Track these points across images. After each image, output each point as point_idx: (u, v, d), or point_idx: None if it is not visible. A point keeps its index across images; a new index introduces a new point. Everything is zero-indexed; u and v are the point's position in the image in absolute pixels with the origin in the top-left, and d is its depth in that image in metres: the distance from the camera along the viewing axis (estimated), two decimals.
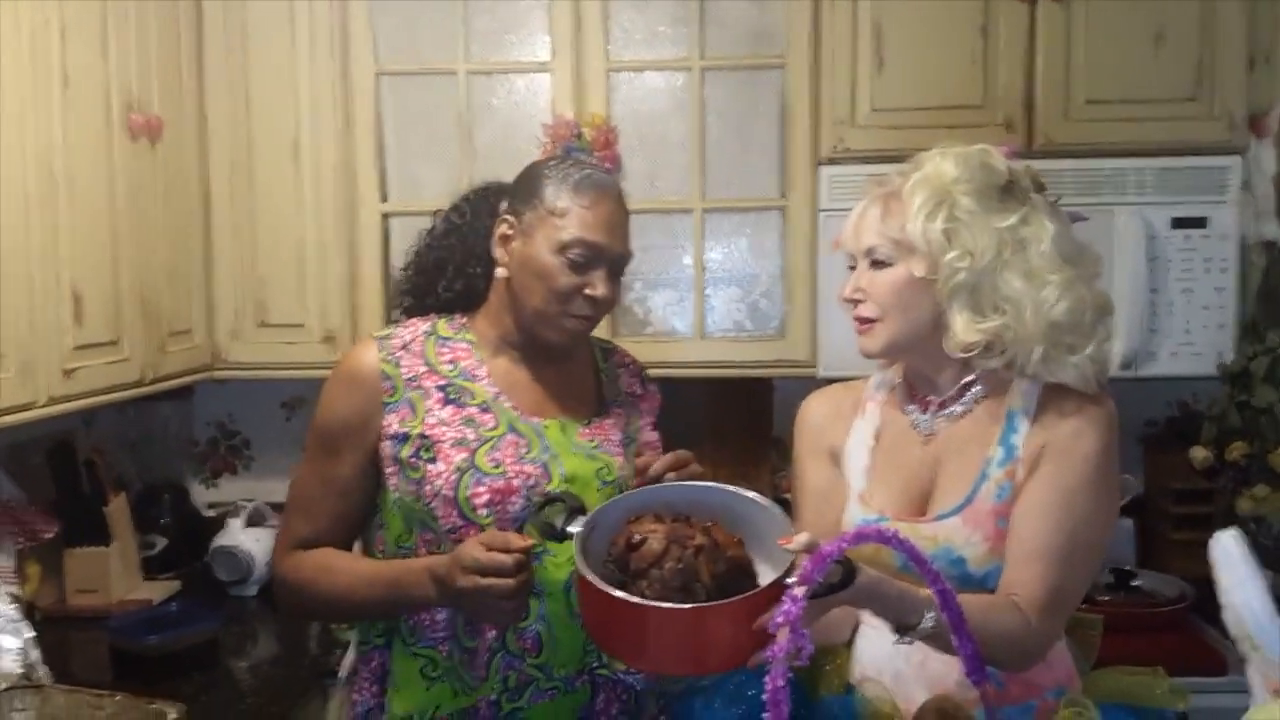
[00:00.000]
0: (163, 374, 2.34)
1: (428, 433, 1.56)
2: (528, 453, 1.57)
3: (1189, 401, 2.74)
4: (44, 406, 1.93)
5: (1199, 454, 2.43)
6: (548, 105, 2.52)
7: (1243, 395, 2.35)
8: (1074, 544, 1.43)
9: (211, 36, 2.52)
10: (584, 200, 1.56)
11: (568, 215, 1.55)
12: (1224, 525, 1.27)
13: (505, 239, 1.60)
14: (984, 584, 1.45)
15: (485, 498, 1.53)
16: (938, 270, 1.45)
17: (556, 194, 1.57)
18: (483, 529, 1.52)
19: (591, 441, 1.62)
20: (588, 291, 1.55)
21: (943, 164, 1.48)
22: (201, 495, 2.93)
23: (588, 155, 2.48)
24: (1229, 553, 1.21)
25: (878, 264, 1.49)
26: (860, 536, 1.20)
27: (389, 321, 1.76)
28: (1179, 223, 2.37)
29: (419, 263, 1.71)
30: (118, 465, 2.72)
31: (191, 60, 2.48)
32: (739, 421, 2.81)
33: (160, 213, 2.34)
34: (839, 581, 1.23)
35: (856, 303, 1.50)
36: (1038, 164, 2.29)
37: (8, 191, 1.83)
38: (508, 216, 1.60)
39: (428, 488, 1.55)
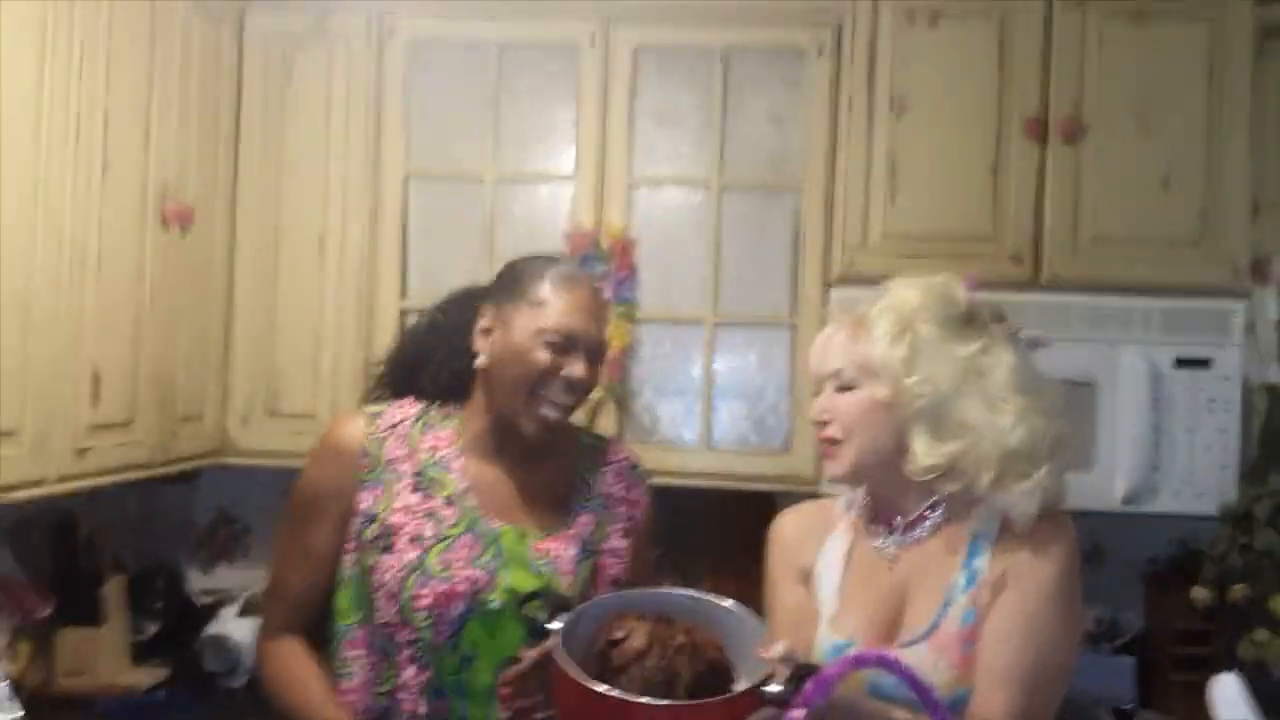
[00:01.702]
0: (172, 456, 2.36)
1: (391, 520, 1.60)
2: (479, 557, 1.59)
3: (1190, 540, 2.73)
4: (54, 484, 1.95)
5: (1200, 594, 2.42)
6: (569, 214, 2.59)
7: (1244, 537, 2.35)
8: (1041, 666, 1.44)
9: (248, 129, 2.61)
10: (561, 289, 1.62)
11: (546, 304, 1.61)
12: (1224, 668, 1.27)
13: (485, 331, 1.65)
14: (951, 709, 1.44)
15: (427, 600, 1.56)
16: (900, 394, 1.48)
17: (535, 286, 1.63)
18: (415, 631, 1.56)
19: (544, 557, 1.62)
20: (565, 373, 1.60)
21: (907, 292, 1.53)
22: (198, 581, 2.91)
23: (604, 264, 2.54)
24: (1227, 697, 1.21)
25: (844, 387, 1.52)
26: (860, 661, 1.20)
27: (368, 396, 1.80)
28: (1183, 362, 2.40)
29: (400, 357, 1.77)
30: (116, 545, 2.71)
31: (228, 151, 2.57)
32: (741, 536, 2.79)
33: (185, 298, 2.39)
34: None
35: (824, 424, 1.53)
36: (1045, 298, 2.41)
37: (42, 270, 1.87)
38: (488, 309, 1.65)
39: (375, 578, 1.59)
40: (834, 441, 1.52)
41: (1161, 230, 2.46)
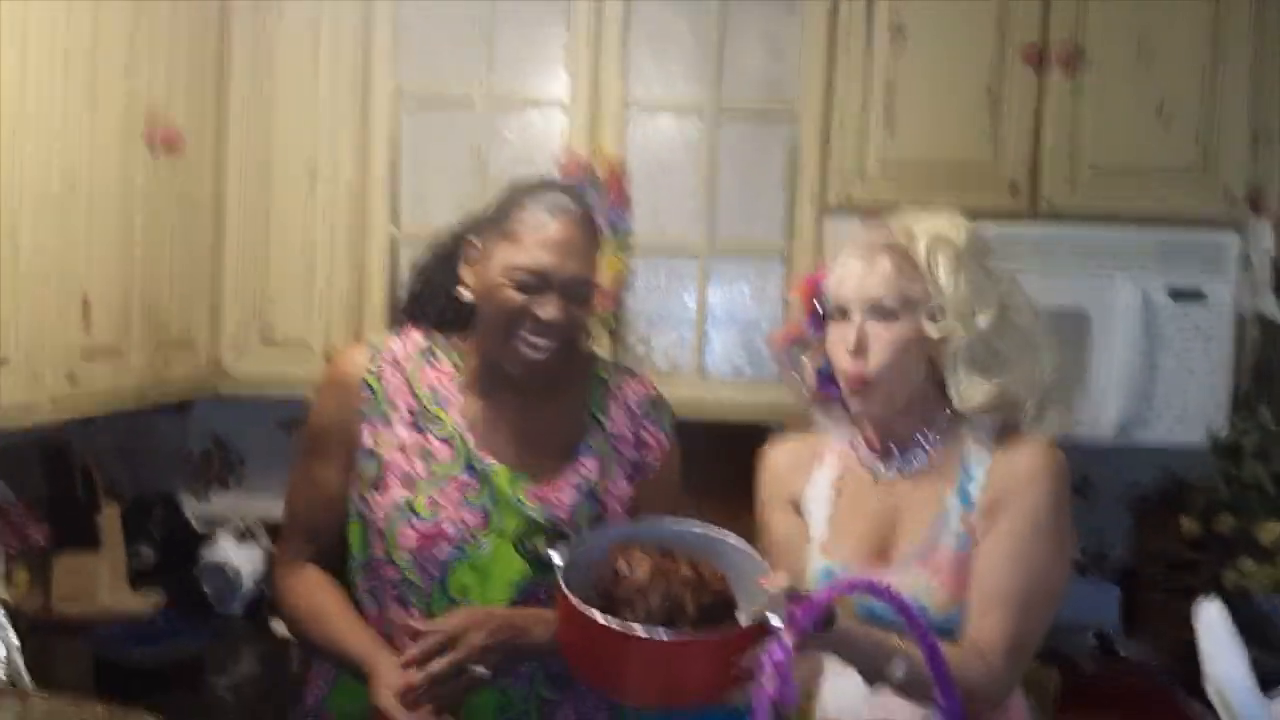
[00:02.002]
0: (165, 386, 2.35)
1: (386, 457, 1.58)
2: (474, 497, 1.57)
3: (1179, 471, 2.75)
4: (46, 410, 1.94)
5: (1187, 525, 2.45)
6: (561, 140, 2.55)
7: (1232, 469, 2.37)
8: (1032, 591, 1.47)
9: (237, 53, 2.55)
10: (535, 223, 1.54)
11: (519, 239, 1.53)
12: (1209, 596, 1.29)
13: (470, 262, 1.60)
14: (944, 629, 1.47)
15: (411, 542, 1.55)
16: (951, 330, 1.48)
17: (510, 218, 1.55)
18: (400, 572, 1.55)
19: (535, 501, 1.58)
20: (537, 312, 1.52)
21: (946, 226, 1.53)
22: (193, 508, 2.93)
23: (598, 193, 2.51)
24: (1213, 623, 1.22)
25: (882, 317, 1.51)
26: (851, 586, 1.21)
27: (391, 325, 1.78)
28: (1176, 294, 2.40)
29: (410, 289, 1.72)
30: (112, 474, 2.72)
31: (215, 75, 2.52)
32: (733, 467, 2.81)
33: (175, 225, 2.36)
34: (820, 624, 1.24)
35: (857, 357, 1.50)
36: (1040, 228, 2.40)
37: (31, 194, 1.85)
38: (473, 239, 1.61)
39: (369, 516, 1.58)
40: (868, 377, 1.50)
41: (1159, 160, 2.44)
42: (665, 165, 2.57)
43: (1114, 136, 2.44)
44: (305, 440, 1.67)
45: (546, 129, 2.58)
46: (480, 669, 1.46)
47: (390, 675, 1.47)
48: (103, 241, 2.09)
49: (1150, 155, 2.44)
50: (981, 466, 1.52)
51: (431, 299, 1.67)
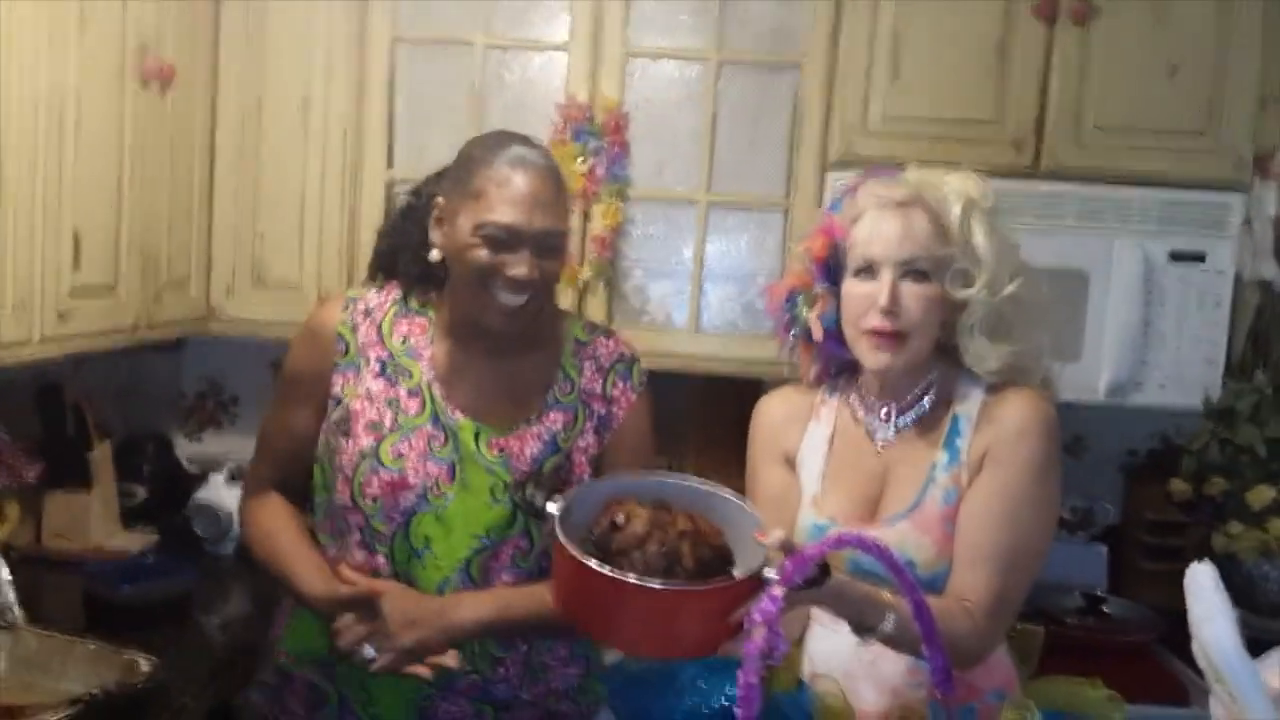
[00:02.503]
0: (156, 323, 2.33)
1: (353, 405, 1.60)
2: (440, 449, 1.58)
3: (1172, 434, 2.76)
4: (36, 346, 1.93)
5: (1178, 487, 2.46)
6: (561, 85, 2.52)
7: (1226, 432, 2.38)
8: (1018, 547, 1.47)
9: None
10: (499, 178, 1.51)
11: (483, 197, 1.51)
12: (1197, 559, 1.30)
13: (438, 222, 1.59)
14: (932, 586, 1.47)
15: (375, 489, 1.57)
16: (974, 293, 1.47)
17: (473, 174, 1.53)
18: (364, 517, 1.58)
19: (497, 456, 1.59)
20: (506, 272, 1.51)
21: (975, 188, 1.51)
22: (185, 449, 2.93)
23: (597, 139, 2.48)
24: (1202, 585, 1.23)
25: (916, 276, 1.49)
26: (840, 542, 1.21)
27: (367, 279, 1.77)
28: (1177, 256, 2.39)
29: (382, 242, 1.72)
30: (104, 412, 2.72)
31: (208, 9, 2.47)
32: (726, 419, 2.81)
33: (165, 162, 2.33)
34: (815, 578, 1.25)
35: (889, 315, 1.48)
36: (1044, 185, 2.37)
37: (18, 129, 1.82)
38: (438, 199, 1.59)
39: (336, 460, 1.61)
40: (898, 335, 1.49)
41: (1166, 120, 2.42)
42: (666, 113, 2.53)
43: (1121, 95, 2.41)
44: (280, 384, 1.73)
45: (547, 73, 2.53)
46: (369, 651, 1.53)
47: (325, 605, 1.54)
48: (92, 177, 2.06)
49: (1157, 115, 2.42)
50: (969, 420, 1.52)
51: (400, 257, 1.66)
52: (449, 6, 2.53)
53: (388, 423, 1.59)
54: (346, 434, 1.60)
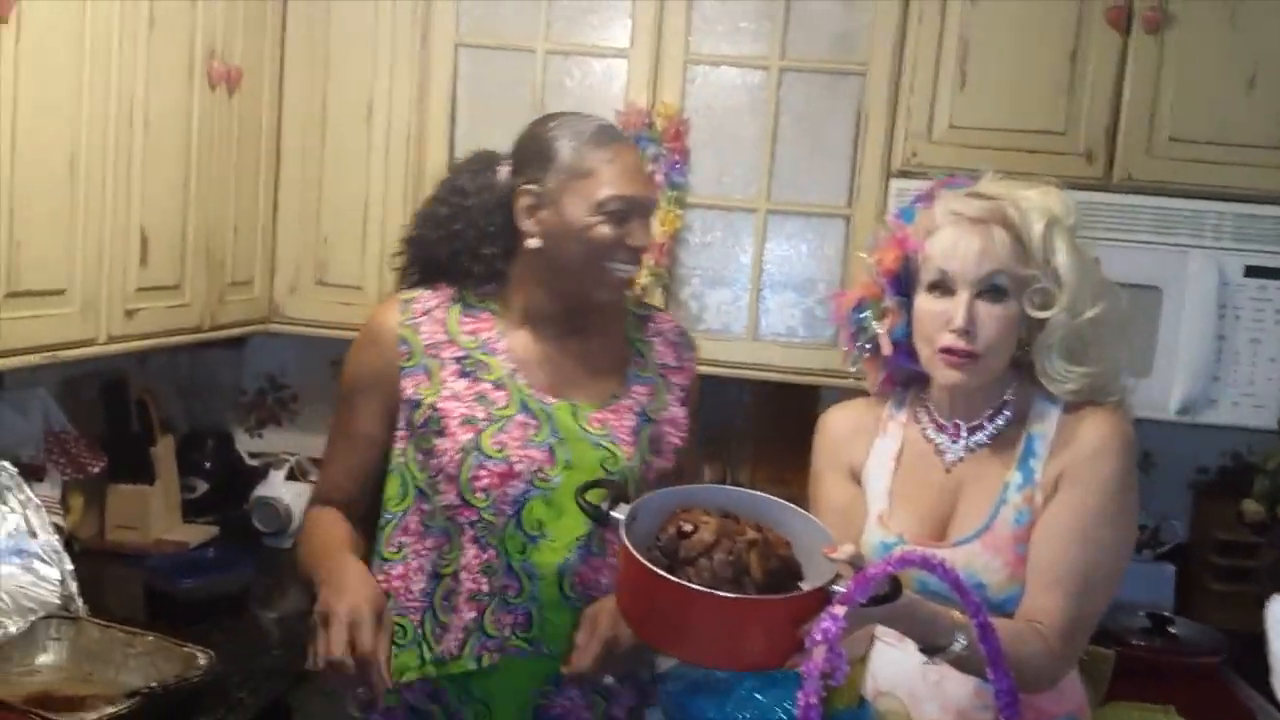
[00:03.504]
0: (220, 322, 2.37)
1: (439, 405, 1.58)
2: (535, 435, 1.58)
3: (1244, 452, 2.68)
4: (104, 344, 1.96)
5: (1250, 507, 2.39)
6: (621, 91, 2.51)
7: None
8: (1093, 570, 1.43)
9: None
10: (606, 154, 1.56)
11: (596, 174, 1.55)
12: (1268, 582, 1.25)
13: (531, 210, 1.58)
14: (1003, 608, 1.44)
15: (485, 481, 1.55)
16: (1054, 314, 1.43)
17: (577, 154, 1.56)
18: (477, 512, 1.55)
19: (601, 429, 1.60)
20: (629, 242, 1.56)
21: (1058, 204, 1.46)
22: (245, 444, 2.97)
23: (656, 145, 2.47)
24: None
25: (994, 295, 1.45)
26: (904, 561, 1.18)
27: (399, 285, 1.75)
28: (1253, 271, 2.32)
29: (424, 244, 1.68)
30: (167, 408, 2.76)
31: (276, 13, 2.50)
32: (783, 426, 2.79)
33: (232, 163, 2.36)
34: (886, 594, 1.22)
35: (964, 335, 1.44)
36: (1115, 198, 2.32)
37: (90, 129, 1.85)
38: (528, 187, 1.58)
39: (434, 461, 1.58)
40: (973, 356, 1.45)
41: (1242, 133, 2.35)
42: (727, 120, 2.51)
43: (1196, 106, 2.35)
44: (342, 393, 1.69)
45: (607, 79, 2.53)
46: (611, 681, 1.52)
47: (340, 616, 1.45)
48: (161, 177, 2.09)
49: (1233, 127, 2.35)
50: (1045, 441, 1.47)
51: (458, 258, 1.64)
52: (511, 12, 2.53)
53: (481, 416, 1.57)
54: (440, 432, 1.57)
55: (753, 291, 2.54)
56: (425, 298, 1.66)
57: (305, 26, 2.54)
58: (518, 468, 1.56)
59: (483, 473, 1.55)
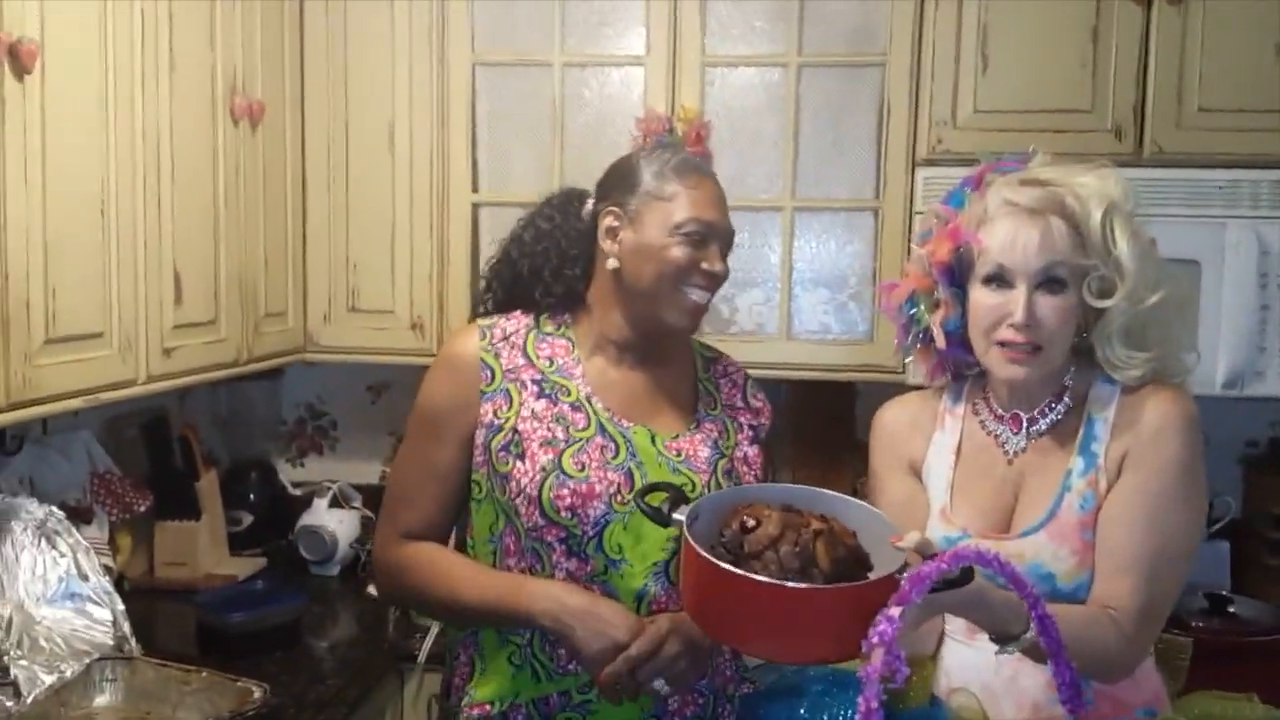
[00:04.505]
0: (256, 355, 2.39)
1: (519, 427, 1.57)
2: (614, 458, 1.57)
3: None
4: (143, 384, 1.98)
5: None
6: (640, 98, 2.50)
7: None
8: (1164, 553, 1.39)
9: (313, 22, 2.56)
10: (689, 181, 1.59)
11: (677, 198, 1.57)
12: None
13: (612, 231, 1.61)
14: (1074, 597, 1.41)
15: (568, 500, 1.54)
16: (1115, 302, 1.41)
17: (660, 179, 1.59)
18: (564, 529, 1.54)
19: (678, 455, 1.60)
20: (704, 266, 1.57)
21: (1115, 189, 1.43)
22: (287, 474, 2.99)
23: (678, 148, 2.46)
24: None
25: (1053, 286, 1.42)
26: (959, 557, 1.16)
27: (475, 312, 1.76)
28: None
29: (508, 269, 1.70)
30: (208, 442, 2.79)
31: (293, 45, 2.52)
32: (821, 424, 2.77)
33: (259, 196, 2.38)
34: (957, 579, 1.19)
35: (1025, 328, 1.42)
36: (1147, 173, 2.28)
37: (117, 171, 1.87)
38: (613, 209, 1.61)
39: (512, 484, 1.56)
40: (1034, 348, 1.43)
41: (1272, 99, 2.31)
42: (747, 120, 2.50)
43: (1224, 75, 2.30)
44: (419, 424, 1.64)
45: (626, 87, 2.53)
46: (664, 686, 1.48)
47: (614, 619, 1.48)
48: (190, 214, 2.11)
49: (1263, 94, 2.30)
50: (1106, 424, 1.45)
51: (537, 282, 1.66)
52: (525, 27, 2.54)
53: (561, 436, 1.57)
54: (520, 455, 1.56)
55: (784, 290, 2.52)
56: (502, 324, 1.66)
57: (323, 56, 2.56)
58: (598, 488, 1.54)
59: (565, 492, 1.54)
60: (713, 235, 1.58)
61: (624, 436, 1.59)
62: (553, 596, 1.50)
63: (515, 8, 2.53)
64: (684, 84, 2.49)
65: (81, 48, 1.77)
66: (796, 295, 2.53)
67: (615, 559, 1.54)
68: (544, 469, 1.54)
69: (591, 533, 1.54)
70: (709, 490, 1.56)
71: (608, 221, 1.62)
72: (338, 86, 2.56)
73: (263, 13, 2.36)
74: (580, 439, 1.57)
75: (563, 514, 1.54)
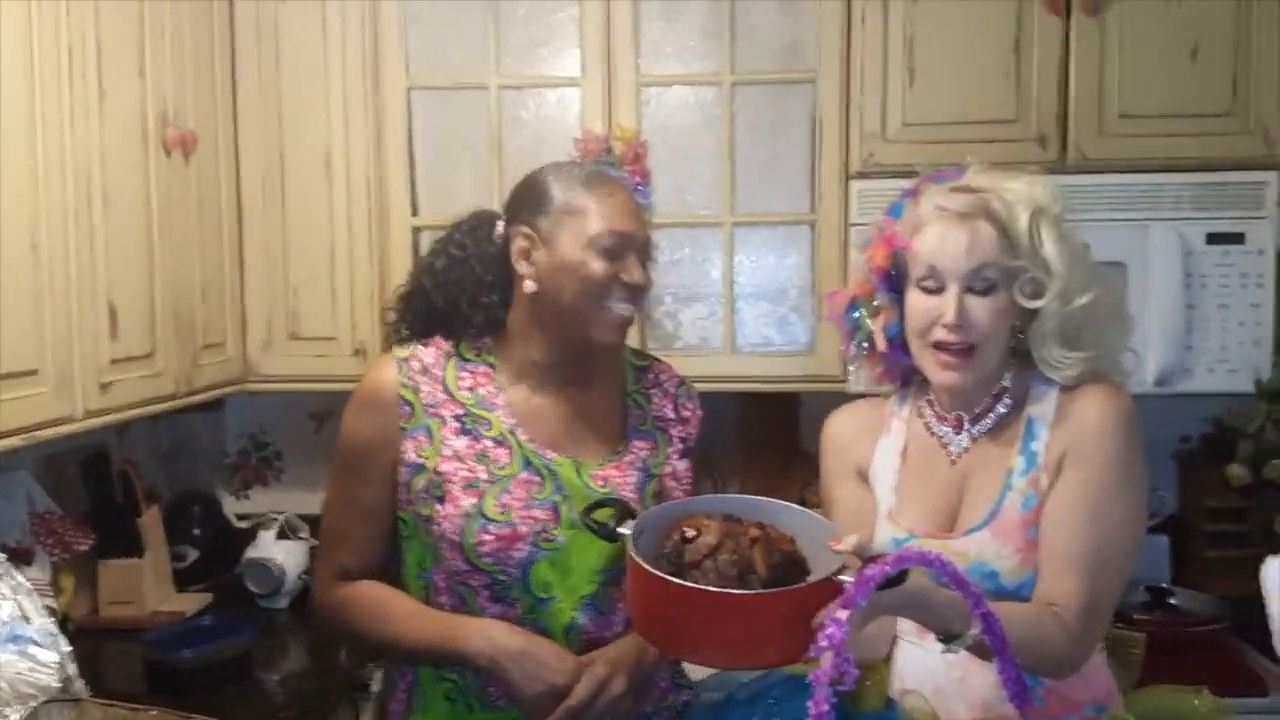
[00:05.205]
0: (196, 386, 2.35)
1: (441, 468, 1.54)
2: (539, 493, 1.55)
3: (1224, 419, 2.70)
4: (81, 420, 1.94)
5: (1236, 471, 2.41)
6: (577, 119, 2.52)
7: None
8: (1107, 549, 1.42)
9: (244, 50, 2.54)
10: (600, 193, 1.55)
11: (588, 211, 1.54)
12: (1260, 544, 1.26)
13: (525, 252, 1.57)
14: (1018, 595, 1.44)
15: (490, 545, 1.52)
16: (1046, 304, 1.44)
17: (570, 194, 1.55)
18: (488, 574, 1.53)
19: (604, 485, 1.57)
20: (623, 278, 1.54)
21: (1043, 193, 1.47)
22: (232, 506, 2.95)
23: (617, 169, 2.48)
24: (1278, 579, 1.19)
25: (981, 289, 1.45)
26: (902, 559, 1.19)
27: (388, 343, 1.71)
28: (1214, 238, 2.35)
29: (421, 297, 1.65)
30: (150, 477, 2.74)
31: (225, 74, 2.50)
32: (768, 435, 2.80)
33: (194, 226, 2.36)
34: (894, 578, 1.21)
35: (956, 329, 1.45)
36: (1072, 179, 2.34)
37: (47, 205, 1.84)
38: (523, 229, 1.57)
39: (434, 528, 1.54)
40: (966, 349, 1.46)
41: (1190, 104, 2.38)
42: (684, 138, 2.53)
43: (1143, 81, 2.38)
44: (340, 459, 1.62)
45: (562, 108, 2.54)
46: None
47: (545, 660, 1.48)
48: (123, 247, 2.08)
49: (1181, 98, 2.38)
50: (1045, 422, 1.48)
51: (457, 308, 1.62)
52: (459, 51, 2.55)
53: (484, 477, 1.54)
54: (440, 499, 1.53)
55: (726, 305, 2.55)
56: (421, 354, 1.61)
57: (256, 83, 2.54)
58: (521, 529, 1.52)
59: (488, 537, 1.52)
60: (629, 245, 1.55)
61: (549, 470, 1.56)
62: (488, 637, 1.49)
63: (449, 32, 2.54)
64: (620, 104, 2.51)
65: (8, 78, 1.75)
66: (739, 309, 2.56)
67: (543, 597, 1.53)
68: (466, 514, 1.52)
69: (517, 574, 1.53)
70: (612, 497, 1.55)
71: (519, 243, 1.57)
72: (272, 114, 2.55)
73: (193, 42, 2.34)
74: (503, 477, 1.54)
75: (484, 559, 1.52)
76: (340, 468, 1.62)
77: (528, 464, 1.56)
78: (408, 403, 1.57)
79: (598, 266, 1.52)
